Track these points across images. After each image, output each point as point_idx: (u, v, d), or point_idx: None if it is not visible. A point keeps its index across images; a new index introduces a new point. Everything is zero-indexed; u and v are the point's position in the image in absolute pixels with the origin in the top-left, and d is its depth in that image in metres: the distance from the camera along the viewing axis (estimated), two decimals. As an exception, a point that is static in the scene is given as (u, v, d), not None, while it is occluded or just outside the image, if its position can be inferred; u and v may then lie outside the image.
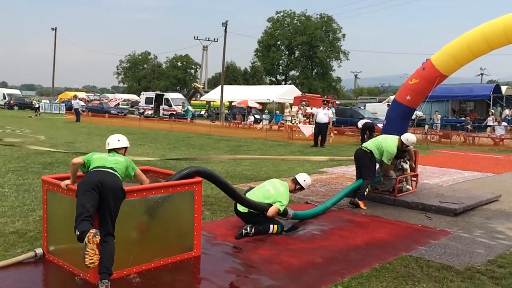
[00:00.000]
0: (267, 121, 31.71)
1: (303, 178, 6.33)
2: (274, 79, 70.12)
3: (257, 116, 35.60)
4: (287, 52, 68.22)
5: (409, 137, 7.65)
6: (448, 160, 14.91)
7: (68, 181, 4.35)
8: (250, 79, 69.79)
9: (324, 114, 18.23)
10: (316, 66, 66.91)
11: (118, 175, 4.28)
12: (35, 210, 6.45)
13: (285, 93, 41.61)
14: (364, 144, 7.94)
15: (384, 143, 7.54)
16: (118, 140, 4.68)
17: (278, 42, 66.69)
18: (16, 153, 12.53)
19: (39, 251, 4.66)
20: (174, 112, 40.51)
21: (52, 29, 59.40)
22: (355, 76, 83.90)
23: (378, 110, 34.37)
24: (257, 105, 39.10)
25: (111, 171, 4.24)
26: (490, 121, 25.88)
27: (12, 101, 52.45)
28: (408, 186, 8.30)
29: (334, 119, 27.07)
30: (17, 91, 64.35)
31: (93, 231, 3.76)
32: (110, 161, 4.36)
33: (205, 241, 5.38)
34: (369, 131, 19.09)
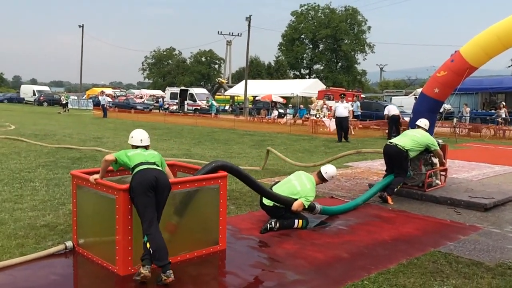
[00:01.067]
0: (291, 115, 31.58)
1: (325, 170, 6.27)
2: (298, 73, 69.76)
3: (281, 111, 35.51)
4: (311, 46, 67.71)
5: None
6: (478, 154, 14.56)
7: (96, 176, 4.43)
8: (274, 73, 69.62)
9: (344, 108, 17.94)
10: (340, 60, 66.22)
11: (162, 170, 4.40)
12: (64, 204, 6.61)
13: (309, 87, 41.39)
14: (397, 141, 7.55)
15: (425, 138, 7.51)
16: (145, 138, 4.72)
17: (302, 36, 66.25)
18: (46, 148, 12.85)
19: (69, 244, 4.77)
20: (199, 107, 40.80)
21: (80, 26, 60.47)
22: (381, 69, 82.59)
23: (404, 103, 33.78)
24: (281, 100, 38.97)
25: (158, 167, 4.35)
26: (521, 113, 25.10)
27: (41, 98, 53.80)
28: (437, 181, 8.14)
29: (359, 113, 26.82)
30: (46, 88, 66.02)
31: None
32: (149, 156, 4.43)
33: (230, 235, 5.41)
34: (395, 124, 18.78)
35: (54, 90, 79.11)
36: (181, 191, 4.66)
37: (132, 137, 4.68)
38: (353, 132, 17.77)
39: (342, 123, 17.83)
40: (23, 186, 7.76)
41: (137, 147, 4.62)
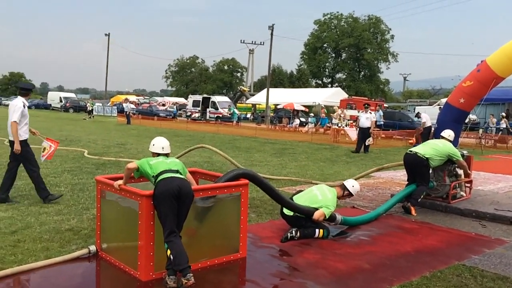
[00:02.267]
0: (313, 124, 31.47)
1: (352, 184, 6.22)
2: (320, 82, 69.55)
3: (303, 119, 35.43)
4: (333, 55, 67.52)
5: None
6: (504, 166, 14.22)
7: (120, 181, 4.51)
8: (296, 82, 69.58)
9: (366, 118, 17.37)
10: (363, 69, 65.79)
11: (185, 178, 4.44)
12: (88, 208, 6.73)
13: (331, 96, 41.23)
14: (417, 150, 7.45)
15: (447, 147, 7.35)
16: (166, 146, 4.77)
17: (325, 45, 66.14)
18: (71, 154, 13.12)
19: (92, 248, 4.86)
20: (220, 115, 41.03)
21: (106, 34, 61.88)
22: (404, 78, 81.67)
23: (428, 113, 33.25)
24: (303, 108, 38.90)
25: (181, 175, 4.38)
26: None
27: (67, 104, 55.02)
28: (462, 193, 7.99)
29: (382, 122, 26.54)
30: (72, 95, 67.49)
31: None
32: (171, 164, 4.47)
33: (251, 243, 5.41)
34: (427, 135, 18.49)
35: (80, 97, 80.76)
36: (202, 198, 4.71)
37: (153, 144, 4.73)
38: (371, 141, 17.26)
39: (364, 134, 17.48)
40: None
41: (158, 154, 4.67)
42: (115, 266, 4.61)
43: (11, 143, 6.98)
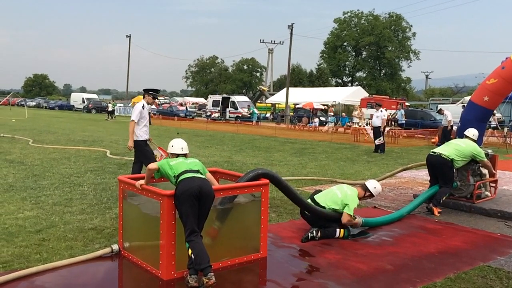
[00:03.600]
0: (333, 123, 31.28)
1: (373, 185, 6.14)
2: (340, 80, 69.09)
3: (323, 119, 35.25)
4: (353, 53, 66.98)
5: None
6: (531, 165, 13.84)
7: (142, 181, 4.56)
8: (315, 81, 69.25)
9: (376, 117, 16.97)
10: (384, 67, 65.06)
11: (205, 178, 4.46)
12: (111, 208, 6.82)
13: (351, 94, 40.91)
14: (441, 151, 7.28)
15: (470, 147, 7.20)
16: (185, 146, 4.81)
17: (345, 43, 65.66)
18: (94, 154, 13.33)
19: (115, 247, 4.92)
20: (240, 115, 41.14)
21: (127, 36, 62.65)
22: (426, 76, 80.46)
23: (451, 111, 32.69)
24: (323, 107, 38.69)
25: (201, 175, 4.40)
26: None
27: (90, 105, 55.92)
28: (486, 193, 7.82)
29: (403, 121, 26.21)
30: (94, 96, 68.54)
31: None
32: (191, 164, 4.50)
33: (271, 243, 5.40)
34: (449, 133, 18.17)
35: (102, 97, 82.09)
36: (223, 197, 4.73)
37: (172, 145, 4.77)
38: (381, 140, 16.41)
39: (374, 133, 17.04)
40: (73, 190, 8.08)
41: (177, 155, 4.71)
42: (137, 265, 4.66)
43: (135, 142, 7.49)
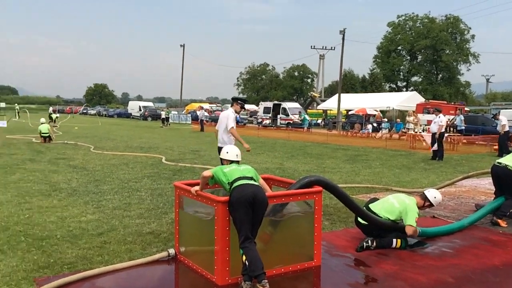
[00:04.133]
0: (387, 129, 30.50)
1: (433, 194, 5.91)
2: (394, 86, 67.35)
3: (376, 125, 34.45)
4: (408, 57, 65.13)
5: None
6: None
7: (197, 187, 4.65)
8: (368, 86, 67.98)
9: (434, 123, 16.23)
10: (441, 71, 62.74)
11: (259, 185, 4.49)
12: (167, 213, 7.01)
13: (406, 100, 39.70)
14: (507, 162, 6.89)
15: None
16: (239, 153, 4.86)
17: (399, 47, 64.01)
18: (150, 160, 13.78)
19: (171, 251, 5.05)
20: (291, 121, 41.06)
21: (181, 45, 64.39)
22: (487, 80, 76.70)
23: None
24: (376, 113, 37.82)
25: (255, 182, 4.43)
26: None
27: (146, 113, 57.89)
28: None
29: (463, 127, 25.09)
30: (150, 104, 70.91)
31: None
32: (245, 171, 4.54)
33: (325, 251, 5.33)
34: (506, 140, 17.22)
35: (157, 105, 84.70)
36: (276, 204, 4.73)
37: (227, 152, 4.83)
38: (436, 147, 15.56)
39: (433, 140, 16.36)
40: (131, 195, 8.38)
41: (231, 162, 4.76)
42: (192, 269, 4.75)
43: (219, 149, 7.49)
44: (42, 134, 19.59)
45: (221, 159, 4.95)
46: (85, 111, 74.06)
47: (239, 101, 8.03)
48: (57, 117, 35.90)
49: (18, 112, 50.56)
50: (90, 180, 9.93)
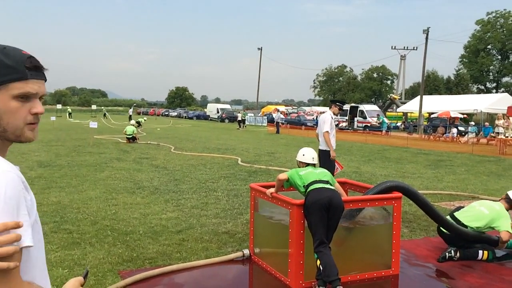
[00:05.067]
0: (474, 133, 28.63)
1: None
2: (482, 87, 63.17)
3: (462, 128, 32.48)
4: (499, 57, 60.77)
5: None
6: None
7: (272, 189, 4.67)
8: (453, 88, 64.34)
9: None
10: (536, 70, 57.81)
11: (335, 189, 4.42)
12: (242, 213, 7.12)
13: (496, 102, 36.97)
14: None
15: None
16: (316, 156, 4.83)
17: (489, 46, 59.96)
18: (227, 161, 14.11)
19: (246, 252, 5.12)
20: (369, 124, 39.98)
21: (258, 48, 65.34)
22: None
23: None
24: (462, 116, 35.67)
25: (331, 186, 4.38)
26: None
27: (223, 115, 59.44)
28: None
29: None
30: (227, 106, 72.69)
31: None
32: (321, 174, 4.48)
33: (404, 260, 5.12)
34: None
35: (234, 107, 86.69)
36: (351, 209, 4.62)
37: (303, 155, 4.79)
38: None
39: None
40: (208, 195, 8.63)
41: (307, 164, 4.72)
42: (266, 271, 4.78)
43: (321, 152, 7.72)
44: (127, 135, 20.84)
45: (297, 161, 4.92)
46: (166, 113, 77.74)
47: (337, 103, 7.95)
48: (144, 119, 37.68)
49: (105, 114, 54.54)
50: (170, 179, 10.38)
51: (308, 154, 4.77)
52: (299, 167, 4.74)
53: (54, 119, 38.98)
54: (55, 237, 5.64)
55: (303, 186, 4.39)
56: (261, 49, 64.47)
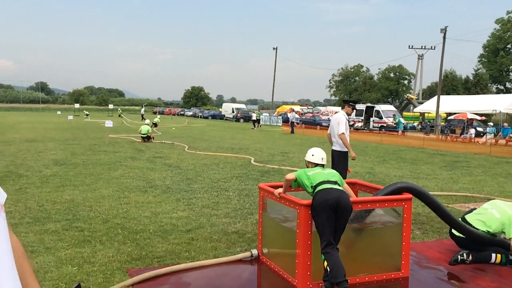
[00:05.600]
0: (492, 134, 28.13)
1: None
2: (502, 87, 61.98)
3: (480, 129, 31.95)
4: (519, 56, 59.53)
5: None
6: None
7: (280, 190, 4.65)
8: (472, 88, 63.33)
9: None
10: (558, 70, 56.51)
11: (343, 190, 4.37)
12: (252, 213, 7.11)
13: (515, 102, 36.28)
14: None
15: None
16: (325, 157, 4.78)
17: (509, 46, 58.76)
18: (240, 161, 14.11)
19: (254, 252, 5.10)
20: (385, 124, 39.60)
21: (273, 48, 65.25)
22: None
23: None
24: (478, 117, 35.06)
25: (339, 186, 4.33)
26: None
27: (238, 115, 59.52)
28: None
29: None
30: (243, 106, 72.77)
31: None
32: (329, 175, 4.44)
33: (414, 262, 5.05)
34: None
35: (250, 107, 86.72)
36: (360, 210, 4.57)
37: (313, 155, 4.75)
38: None
39: None
40: (219, 194, 8.64)
41: (316, 165, 4.68)
42: (274, 271, 4.76)
43: (334, 153, 7.62)
44: (141, 134, 21.01)
45: (305, 161, 4.88)
46: (182, 112, 78.23)
47: (350, 103, 7.77)
48: (158, 121, 37.39)
49: (120, 114, 55.30)
50: (183, 178, 10.42)
51: (317, 154, 4.73)
52: (307, 167, 4.70)
53: (71, 118, 39.49)
54: (66, 235, 5.71)
55: (311, 186, 4.35)
56: (276, 48, 64.37)
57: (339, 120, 7.53)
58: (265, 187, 5.06)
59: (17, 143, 18.17)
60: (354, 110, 7.98)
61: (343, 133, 7.43)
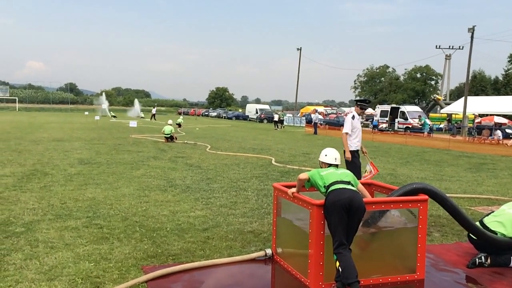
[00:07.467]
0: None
1: None
2: (533, 87, 60.16)
3: (509, 131, 31.10)
4: (553, 55, 57.71)
5: None
6: None
7: (294, 189, 4.65)
8: (501, 88, 61.66)
9: None
10: None
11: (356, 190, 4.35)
12: (269, 213, 7.12)
13: (547, 103, 35.21)
14: None
15: None
16: (338, 157, 4.76)
17: (541, 44, 56.99)
18: (261, 161, 14.14)
19: (268, 251, 5.12)
20: (410, 126, 38.98)
21: (297, 49, 65.08)
22: None
23: None
24: (506, 121, 34.11)
25: (352, 187, 4.31)
26: None
27: (262, 115, 59.57)
28: None
29: None
30: (266, 106, 72.81)
31: None
32: (342, 175, 4.42)
33: (430, 264, 4.97)
34: None
35: (274, 108, 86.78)
36: (373, 211, 4.53)
37: (326, 155, 4.74)
38: None
39: None
40: (238, 194, 8.68)
41: (329, 165, 4.66)
42: (287, 271, 4.77)
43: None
44: (165, 135, 21.27)
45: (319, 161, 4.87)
46: (206, 113, 78.84)
47: (358, 103, 7.82)
48: (181, 121, 37.02)
49: (142, 117, 56.39)
50: (203, 178, 10.51)
51: (331, 155, 4.72)
52: (321, 168, 4.69)
53: (98, 118, 40.29)
54: (86, 232, 5.85)
55: (324, 186, 4.34)
56: (300, 49, 64.16)
57: (346, 120, 7.76)
58: (279, 186, 5.07)
59: (45, 143, 18.68)
60: (363, 110, 7.84)
61: (345, 133, 7.60)
